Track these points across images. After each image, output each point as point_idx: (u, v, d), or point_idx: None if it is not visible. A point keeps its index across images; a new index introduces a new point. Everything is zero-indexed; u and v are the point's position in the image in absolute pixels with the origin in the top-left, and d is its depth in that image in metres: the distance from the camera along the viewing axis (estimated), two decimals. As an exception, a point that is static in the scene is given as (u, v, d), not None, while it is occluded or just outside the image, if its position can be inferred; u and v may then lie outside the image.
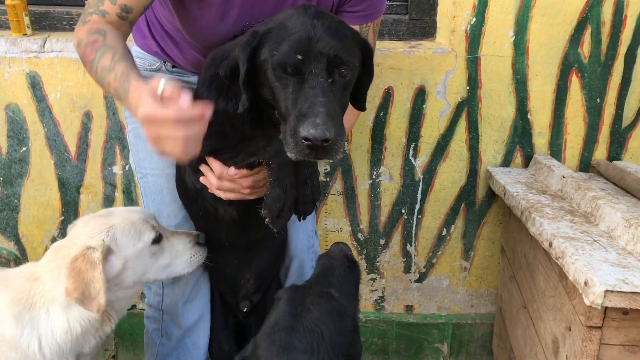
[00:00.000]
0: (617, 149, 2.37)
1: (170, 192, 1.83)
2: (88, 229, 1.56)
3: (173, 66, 1.83)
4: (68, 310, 1.53)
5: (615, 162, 2.32)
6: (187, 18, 1.59)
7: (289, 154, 1.29)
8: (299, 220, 1.58)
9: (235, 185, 1.56)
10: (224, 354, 1.98)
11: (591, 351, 1.43)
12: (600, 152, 2.38)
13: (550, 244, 1.58)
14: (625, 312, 1.40)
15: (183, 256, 1.67)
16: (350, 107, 1.50)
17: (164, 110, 1.13)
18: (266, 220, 1.50)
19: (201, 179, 1.61)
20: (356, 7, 1.60)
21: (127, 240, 1.56)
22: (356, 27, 1.60)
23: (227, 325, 1.98)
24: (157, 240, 1.62)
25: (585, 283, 1.34)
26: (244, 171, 1.53)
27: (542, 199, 1.93)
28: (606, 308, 1.40)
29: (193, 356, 1.96)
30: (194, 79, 1.77)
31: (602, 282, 1.29)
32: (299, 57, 1.28)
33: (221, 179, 1.55)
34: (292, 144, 1.27)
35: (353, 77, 1.39)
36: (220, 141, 1.54)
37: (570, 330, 1.52)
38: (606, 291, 1.28)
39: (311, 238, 2.03)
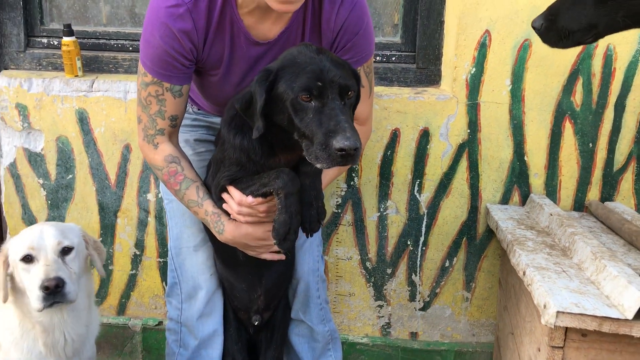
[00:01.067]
0: (609, 190, 2.53)
1: (192, 217, 2.08)
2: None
3: (199, 109, 2.13)
4: None
5: (606, 203, 2.48)
6: (198, 87, 1.99)
7: (320, 165, 1.56)
8: (307, 237, 1.81)
9: (253, 211, 1.80)
10: (236, 364, 2.20)
11: (554, 369, 1.60)
12: (593, 193, 2.54)
13: (524, 273, 1.77)
14: (584, 334, 1.57)
15: (32, 291, 1.78)
16: None
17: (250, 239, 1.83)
18: (274, 242, 1.74)
19: (223, 205, 1.86)
20: (345, 56, 1.83)
21: (13, 250, 1.85)
22: None
23: (240, 339, 2.20)
24: (28, 259, 1.81)
25: (544, 306, 1.52)
26: (260, 199, 1.78)
27: (527, 233, 2.12)
28: (567, 330, 1.57)
29: (207, 366, 2.19)
30: (214, 119, 2.07)
31: (556, 304, 1.48)
32: (319, 84, 1.56)
33: (240, 206, 1.80)
34: (324, 156, 1.53)
35: (356, 98, 1.68)
36: (239, 172, 1.80)
37: (539, 350, 1.70)
38: (558, 312, 1.46)
39: (317, 262, 2.25)
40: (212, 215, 1.88)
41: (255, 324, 2.12)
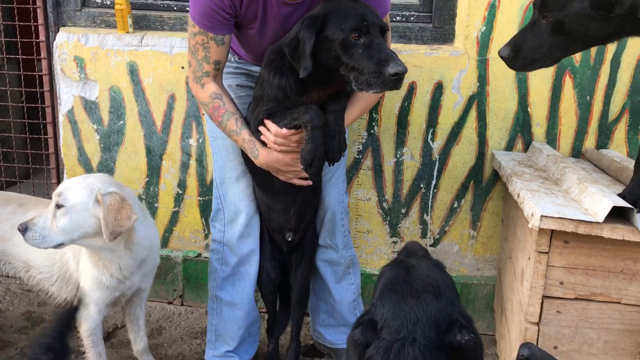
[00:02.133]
0: (604, 139, 2.81)
1: (234, 151, 2.41)
2: None
3: (239, 58, 2.44)
4: None
5: (601, 150, 2.76)
6: (239, 39, 2.31)
7: (372, 91, 1.91)
8: (329, 165, 2.14)
9: (286, 141, 2.12)
10: (270, 280, 2.54)
11: (540, 271, 1.92)
12: (589, 142, 2.83)
13: (518, 195, 2.07)
14: (566, 241, 1.88)
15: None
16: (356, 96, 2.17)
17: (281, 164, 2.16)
18: (302, 168, 2.06)
19: (261, 137, 2.18)
20: None
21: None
22: None
23: (274, 258, 2.54)
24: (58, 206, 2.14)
25: (532, 214, 1.83)
26: (292, 131, 2.10)
27: (526, 169, 2.42)
28: (551, 237, 1.88)
29: (245, 281, 2.53)
30: (253, 67, 2.41)
31: (541, 210, 1.79)
32: (365, 23, 1.90)
33: (276, 137, 2.12)
34: (377, 82, 1.88)
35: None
36: (275, 107, 2.12)
37: (529, 259, 2.01)
38: (542, 216, 1.77)
39: (342, 195, 2.57)
40: (248, 143, 2.20)
41: (289, 240, 2.45)
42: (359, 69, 1.89)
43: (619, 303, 1.92)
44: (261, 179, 2.36)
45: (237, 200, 2.45)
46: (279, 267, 2.56)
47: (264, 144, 2.19)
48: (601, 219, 1.75)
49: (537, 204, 1.86)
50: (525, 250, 2.09)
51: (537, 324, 1.97)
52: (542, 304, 1.95)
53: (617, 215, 1.83)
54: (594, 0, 1.69)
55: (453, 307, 1.41)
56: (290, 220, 2.40)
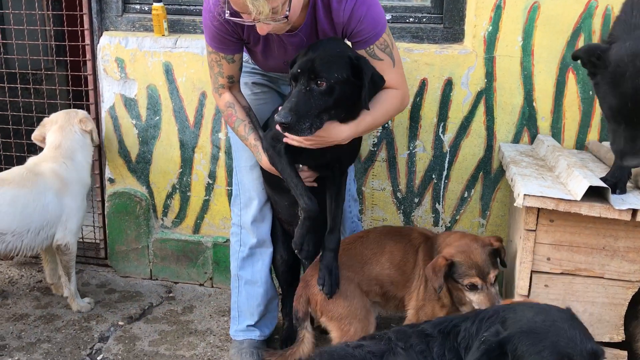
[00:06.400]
0: (607, 132, 2.95)
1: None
2: None
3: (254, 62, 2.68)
4: None
5: (603, 142, 2.90)
6: (249, 54, 2.57)
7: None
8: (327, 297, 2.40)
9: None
10: (283, 261, 2.79)
11: (529, 247, 2.10)
12: (593, 135, 2.97)
13: (511, 179, 2.26)
14: (551, 220, 2.06)
15: None
16: (380, 100, 2.29)
17: None
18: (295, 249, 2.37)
19: None
20: (355, 39, 2.29)
21: None
22: (363, 51, 2.24)
23: (286, 241, 2.76)
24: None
25: (518, 194, 2.02)
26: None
27: (525, 158, 2.59)
28: (538, 216, 2.06)
29: (262, 261, 2.78)
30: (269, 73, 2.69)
31: (525, 190, 1.98)
32: (298, 70, 2.12)
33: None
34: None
35: (331, 87, 2.10)
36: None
37: (520, 238, 2.19)
38: (525, 195, 1.96)
39: (349, 184, 2.73)
40: (253, 147, 2.48)
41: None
42: None
43: (602, 277, 2.09)
44: (268, 176, 2.59)
45: (250, 187, 2.71)
46: (291, 250, 2.78)
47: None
48: (579, 197, 1.93)
49: (524, 185, 2.05)
50: (518, 232, 2.27)
51: (527, 297, 2.15)
52: (531, 278, 2.13)
53: (597, 196, 2.00)
54: None
55: None
56: (296, 217, 2.57)
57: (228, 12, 2.04)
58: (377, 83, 2.23)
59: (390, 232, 2.62)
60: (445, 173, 3.16)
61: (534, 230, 2.08)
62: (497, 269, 2.23)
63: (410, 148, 3.15)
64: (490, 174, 3.11)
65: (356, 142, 2.46)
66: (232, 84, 2.50)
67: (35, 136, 3.17)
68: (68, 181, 3.03)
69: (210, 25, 2.28)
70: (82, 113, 3.23)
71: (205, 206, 3.44)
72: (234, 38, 2.32)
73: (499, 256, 2.28)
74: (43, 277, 3.40)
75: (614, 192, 1.99)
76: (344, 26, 2.23)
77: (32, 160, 3.06)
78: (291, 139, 2.20)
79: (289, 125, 2.02)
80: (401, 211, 3.25)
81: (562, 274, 2.11)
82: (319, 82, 2.09)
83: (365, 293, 2.46)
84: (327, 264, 2.37)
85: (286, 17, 1.99)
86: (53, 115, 3.20)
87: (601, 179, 2.06)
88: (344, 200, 2.53)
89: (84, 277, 3.56)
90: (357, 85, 2.15)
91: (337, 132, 2.21)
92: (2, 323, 3.03)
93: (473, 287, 2.18)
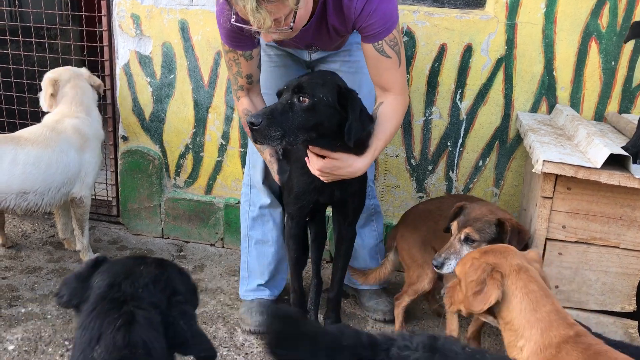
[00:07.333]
0: (627, 104, 2.91)
1: None
2: None
3: None
4: None
5: (623, 114, 2.86)
6: None
7: None
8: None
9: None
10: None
11: (544, 215, 2.09)
12: (612, 106, 2.93)
13: (530, 146, 2.23)
14: (569, 187, 2.04)
15: None
16: (387, 117, 2.24)
17: None
18: None
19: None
20: (364, 33, 2.21)
21: None
22: (370, 46, 2.18)
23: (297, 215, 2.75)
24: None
25: (537, 160, 2.00)
26: None
27: (543, 127, 2.56)
28: (555, 184, 2.05)
29: (272, 222, 2.78)
30: None
31: (544, 156, 1.95)
32: (285, 86, 2.10)
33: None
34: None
35: (313, 105, 2.05)
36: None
37: (536, 205, 2.18)
38: (544, 161, 1.94)
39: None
40: (269, 162, 2.50)
41: None
42: None
43: (617, 247, 2.08)
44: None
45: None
46: (300, 224, 2.76)
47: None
48: (599, 165, 1.90)
49: (542, 152, 2.03)
50: (533, 200, 2.26)
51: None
52: (545, 246, 2.12)
53: (617, 165, 1.98)
54: None
55: None
56: (309, 187, 2.52)
57: (234, 17, 1.99)
58: (364, 122, 2.15)
59: (465, 199, 2.62)
60: (460, 141, 3.13)
61: (551, 198, 2.06)
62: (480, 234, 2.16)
63: (427, 114, 3.12)
64: (506, 143, 3.08)
65: (363, 182, 2.44)
66: (251, 84, 2.41)
67: (46, 96, 3.11)
68: (88, 137, 3.04)
69: (223, 25, 2.22)
70: (84, 69, 3.22)
71: (217, 167, 3.44)
72: (248, 35, 2.28)
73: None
74: (55, 232, 3.43)
75: (634, 161, 1.97)
76: (354, 20, 2.18)
77: (51, 118, 3.04)
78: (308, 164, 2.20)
79: (258, 127, 1.98)
80: (414, 178, 3.24)
81: (576, 242, 2.10)
82: (301, 97, 2.05)
83: (433, 249, 2.47)
84: (331, 323, 2.60)
85: (291, 27, 1.94)
86: (56, 74, 3.12)
87: (622, 147, 2.03)
88: (348, 261, 2.65)
89: (96, 234, 3.59)
90: (342, 117, 2.10)
91: (352, 161, 2.16)
92: (15, 275, 3.06)
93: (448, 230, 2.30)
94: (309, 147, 2.19)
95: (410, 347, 1.21)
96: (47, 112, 3.13)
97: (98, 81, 3.21)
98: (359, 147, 2.16)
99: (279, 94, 2.12)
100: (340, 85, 2.14)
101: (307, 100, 2.05)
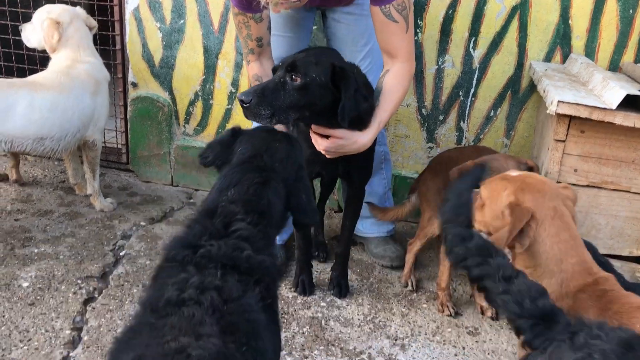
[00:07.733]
0: (643, 54, 2.88)
1: None
2: None
3: None
4: None
5: (638, 64, 2.82)
6: None
7: None
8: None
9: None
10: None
11: (557, 158, 2.08)
12: (628, 56, 2.89)
13: (544, 90, 2.21)
14: (582, 130, 2.03)
15: None
16: (392, 89, 2.22)
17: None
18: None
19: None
20: None
21: None
22: (377, 9, 2.16)
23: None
24: None
25: (552, 102, 1.99)
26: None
27: (557, 74, 2.53)
28: (569, 127, 2.04)
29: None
30: None
31: (559, 97, 1.94)
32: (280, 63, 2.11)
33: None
34: None
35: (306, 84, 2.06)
36: None
37: (548, 149, 2.17)
38: (559, 101, 1.93)
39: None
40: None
41: None
42: None
43: (628, 192, 2.08)
44: None
45: None
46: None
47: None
48: (614, 106, 1.89)
49: (557, 94, 2.02)
50: (545, 145, 2.25)
51: (550, 208, 2.15)
52: (555, 189, 2.12)
53: (633, 108, 1.96)
54: None
55: None
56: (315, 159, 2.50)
57: None
58: (359, 102, 2.13)
59: (482, 150, 2.62)
60: (472, 90, 3.10)
61: (564, 141, 2.05)
62: None
63: (439, 63, 3.09)
64: (518, 93, 3.06)
65: (369, 155, 2.44)
66: (262, 47, 2.39)
67: (51, 40, 3.01)
68: (99, 80, 3.03)
69: None
70: (79, 9, 3.13)
71: (227, 115, 3.43)
72: None
73: None
74: (66, 177, 3.45)
75: (650, 103, 1.95)
76: None
77: (62, 63, 3.00)
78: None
79: (248, 105, 2.01)
80: (425, 128, 3.23)
81: (587, 186, 2.10)
82: (294, 76, 2.06)
83: None
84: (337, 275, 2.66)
85: None
86: (56, 15, 3.00)
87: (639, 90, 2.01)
88: (357, 220, 2.67)
89: (106, 180, 3.61)
90: (337, 96, 2.09)
91: (357, 137, 2.17)
92: (27, 217, 3.10)
93: None
94: (312, 127, 2.20)
95: (604, 338, 1.17)
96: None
97: (94, 23, 3.16)
98: (362, 122, 2.18)
99: (274, 70, 2.13)
100: (335, 64, 2.12)
101: (299, 79, 2.07)
